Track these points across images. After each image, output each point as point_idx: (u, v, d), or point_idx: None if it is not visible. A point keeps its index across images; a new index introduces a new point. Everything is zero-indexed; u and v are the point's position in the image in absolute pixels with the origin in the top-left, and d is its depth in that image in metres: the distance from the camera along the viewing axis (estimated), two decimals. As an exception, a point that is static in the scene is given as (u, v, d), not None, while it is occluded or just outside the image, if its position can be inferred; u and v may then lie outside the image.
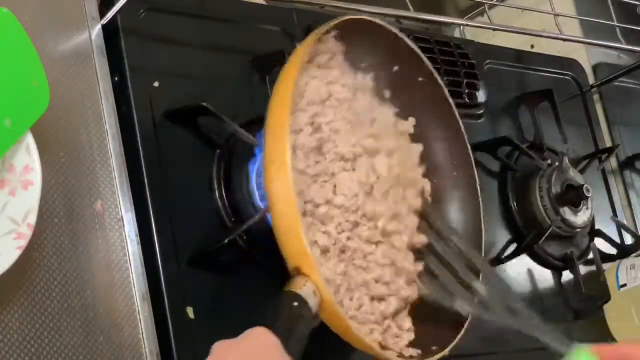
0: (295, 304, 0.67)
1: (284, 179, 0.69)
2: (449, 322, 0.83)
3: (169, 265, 0.77)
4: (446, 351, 0.80)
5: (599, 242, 1.14)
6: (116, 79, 0.80)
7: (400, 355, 0.80)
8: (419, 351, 0.81)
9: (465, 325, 0.82)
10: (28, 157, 0.66)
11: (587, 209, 1.09)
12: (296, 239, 0.69)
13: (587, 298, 1.06)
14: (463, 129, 0.90)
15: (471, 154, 0.91)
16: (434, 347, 0.81)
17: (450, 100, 0.90)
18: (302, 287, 0.68)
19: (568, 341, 0.66)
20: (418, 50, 0.88)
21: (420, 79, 0.89)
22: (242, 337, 0.65)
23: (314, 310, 0.69)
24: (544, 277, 1.08)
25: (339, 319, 0.71)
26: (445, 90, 0.90)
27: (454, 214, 0.90)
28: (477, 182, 0.90)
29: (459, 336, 0.81)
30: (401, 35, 0.86)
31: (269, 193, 0.71)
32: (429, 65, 0.89)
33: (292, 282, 0.70)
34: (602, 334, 1.10)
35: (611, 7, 1.30)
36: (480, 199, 0.90)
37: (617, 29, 1.27)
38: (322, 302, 0.70)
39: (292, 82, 0.72)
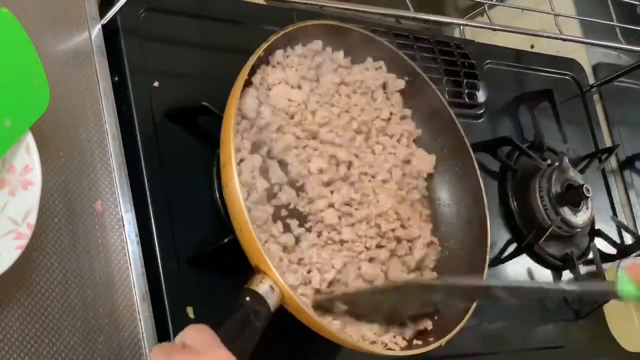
0: (248, 299, 0.71)
1: (232, 181, 0.72)
2: (450, 315, 0.84)
3: (169, 265, 0.77)
4: (442, 342, 0.80)
5: (599, 242, 1.14)
6: (116, 79, 0.80)
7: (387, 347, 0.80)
8: (420, 342, 0.81)
9: (465, 319, 0.82)
10: (28, 157, 0.66)
11: (587, 209, 1.08)
12: (250, 238, 0.72)
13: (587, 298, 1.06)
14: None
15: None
16: (430, 339, 0.81)
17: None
18: (259, 284, 0.72)
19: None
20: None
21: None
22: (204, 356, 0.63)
23: (273, 306, 0.72)
24: (544, 277, 1.08)
25: (302, 312, 0.73)
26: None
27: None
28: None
29: (457, 329, 0.81)
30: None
31: (224, 196, 0.74)
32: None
33: (251, 279, 0.73)
34: (602, 334, 1.10)
35: (611, 7, 1.30)
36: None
37: (617, 29, 1.27)
38: (284, 298, 0.72)
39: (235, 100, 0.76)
